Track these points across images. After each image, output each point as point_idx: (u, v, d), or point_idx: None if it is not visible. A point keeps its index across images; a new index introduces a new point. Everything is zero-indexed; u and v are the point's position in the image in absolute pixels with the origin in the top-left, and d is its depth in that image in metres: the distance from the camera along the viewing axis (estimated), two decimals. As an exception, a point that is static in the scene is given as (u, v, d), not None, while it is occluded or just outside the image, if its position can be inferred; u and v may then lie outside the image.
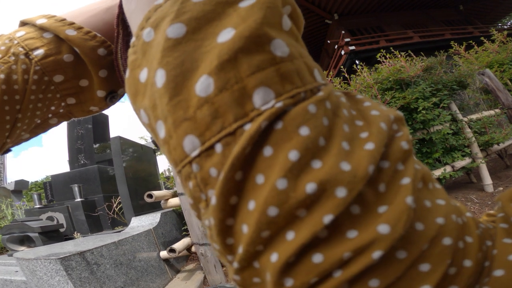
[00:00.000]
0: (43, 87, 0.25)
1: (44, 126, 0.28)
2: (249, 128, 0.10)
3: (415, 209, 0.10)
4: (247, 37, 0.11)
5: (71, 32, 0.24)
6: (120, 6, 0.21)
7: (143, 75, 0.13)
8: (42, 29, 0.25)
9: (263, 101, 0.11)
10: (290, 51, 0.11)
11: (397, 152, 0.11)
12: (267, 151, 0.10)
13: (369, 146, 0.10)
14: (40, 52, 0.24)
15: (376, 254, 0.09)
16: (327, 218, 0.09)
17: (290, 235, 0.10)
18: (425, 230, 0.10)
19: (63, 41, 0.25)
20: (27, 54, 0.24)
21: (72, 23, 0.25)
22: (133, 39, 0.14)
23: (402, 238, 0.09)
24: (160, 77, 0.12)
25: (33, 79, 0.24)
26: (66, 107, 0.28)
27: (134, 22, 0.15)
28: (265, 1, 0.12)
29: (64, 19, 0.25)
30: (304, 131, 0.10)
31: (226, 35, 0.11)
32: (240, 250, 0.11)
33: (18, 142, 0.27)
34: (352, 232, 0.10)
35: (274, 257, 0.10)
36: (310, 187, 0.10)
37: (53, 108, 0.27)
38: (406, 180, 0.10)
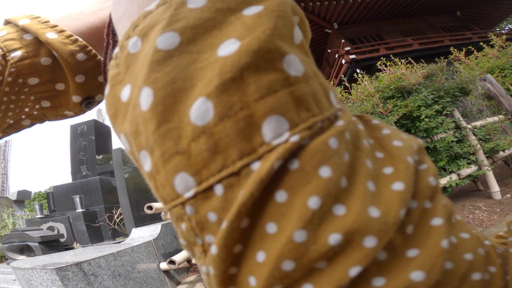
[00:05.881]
0: (17, 89, 0.25)
1: (16, 127, 0.28)
2: (259, 169, 0.09)
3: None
4: (255, 51, 0.09)
5: (51, 35, 0.24)
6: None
7: (125, 93, 0.11)
8: (23, 30, 0.24)
9: (275, 133, 0.09)
10: (304, 69, 0.10)
11: (424, 189, 0.10)
12: (280, 196, 0.09)
13: (398, 186, 0.09)
14: (17, 54, 0.24)
15: None
16: (354, 270, 0.08)
17: None
18: (455, 268, 0.09)
19: (42, 44, 0.24)
20: (4, 56, 0.24)
21: (55, 26, 0.24)
22: (116, 50, 0.12)
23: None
24: (146, 98, 0.10)
25: (7, 81, 0.24)
26: (41, 110, 0.27)
27: (120, 31, 0.13)
28: (274, 9, 0.10)
29: (48, 21, 0.25)
30: (325, 172, 0.09)
31: (228, 47, 0.09)
32: None
33: None
34: (379, 280, 0.09)
35: None
36: (334, 238, 0.08)
37: (26, 109, 0.26)
38: (437, 221, 0.09)
